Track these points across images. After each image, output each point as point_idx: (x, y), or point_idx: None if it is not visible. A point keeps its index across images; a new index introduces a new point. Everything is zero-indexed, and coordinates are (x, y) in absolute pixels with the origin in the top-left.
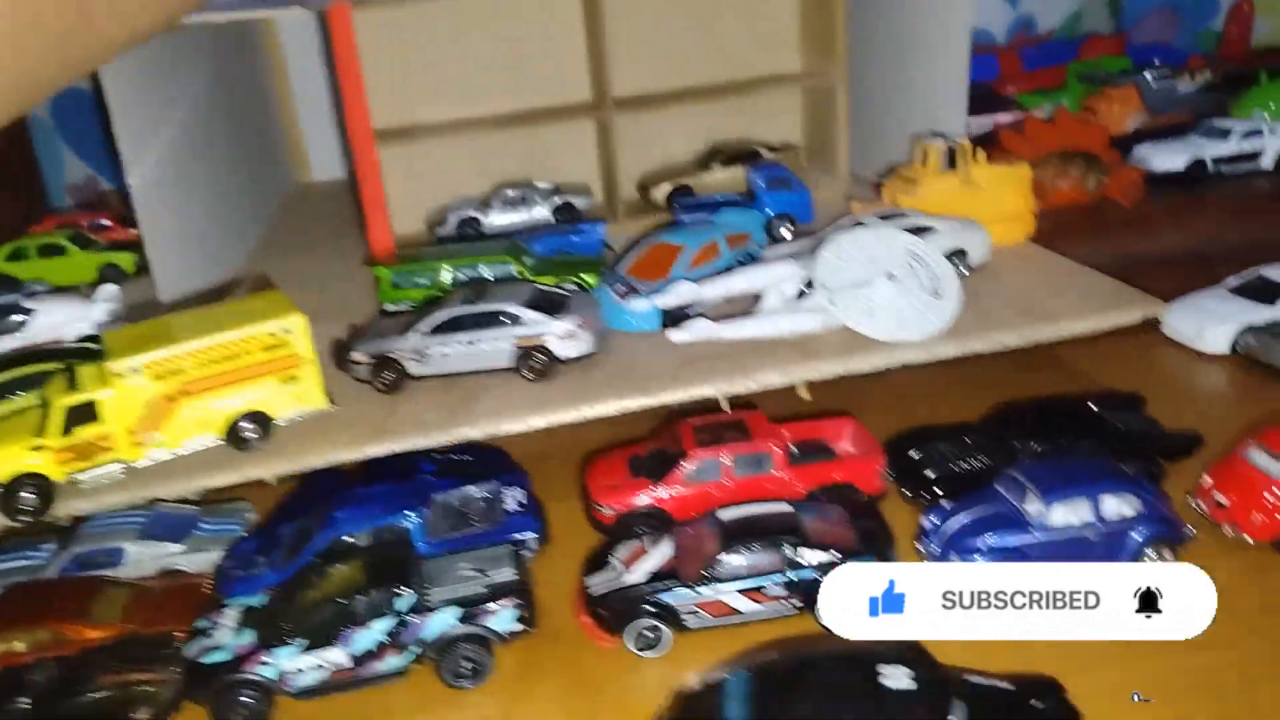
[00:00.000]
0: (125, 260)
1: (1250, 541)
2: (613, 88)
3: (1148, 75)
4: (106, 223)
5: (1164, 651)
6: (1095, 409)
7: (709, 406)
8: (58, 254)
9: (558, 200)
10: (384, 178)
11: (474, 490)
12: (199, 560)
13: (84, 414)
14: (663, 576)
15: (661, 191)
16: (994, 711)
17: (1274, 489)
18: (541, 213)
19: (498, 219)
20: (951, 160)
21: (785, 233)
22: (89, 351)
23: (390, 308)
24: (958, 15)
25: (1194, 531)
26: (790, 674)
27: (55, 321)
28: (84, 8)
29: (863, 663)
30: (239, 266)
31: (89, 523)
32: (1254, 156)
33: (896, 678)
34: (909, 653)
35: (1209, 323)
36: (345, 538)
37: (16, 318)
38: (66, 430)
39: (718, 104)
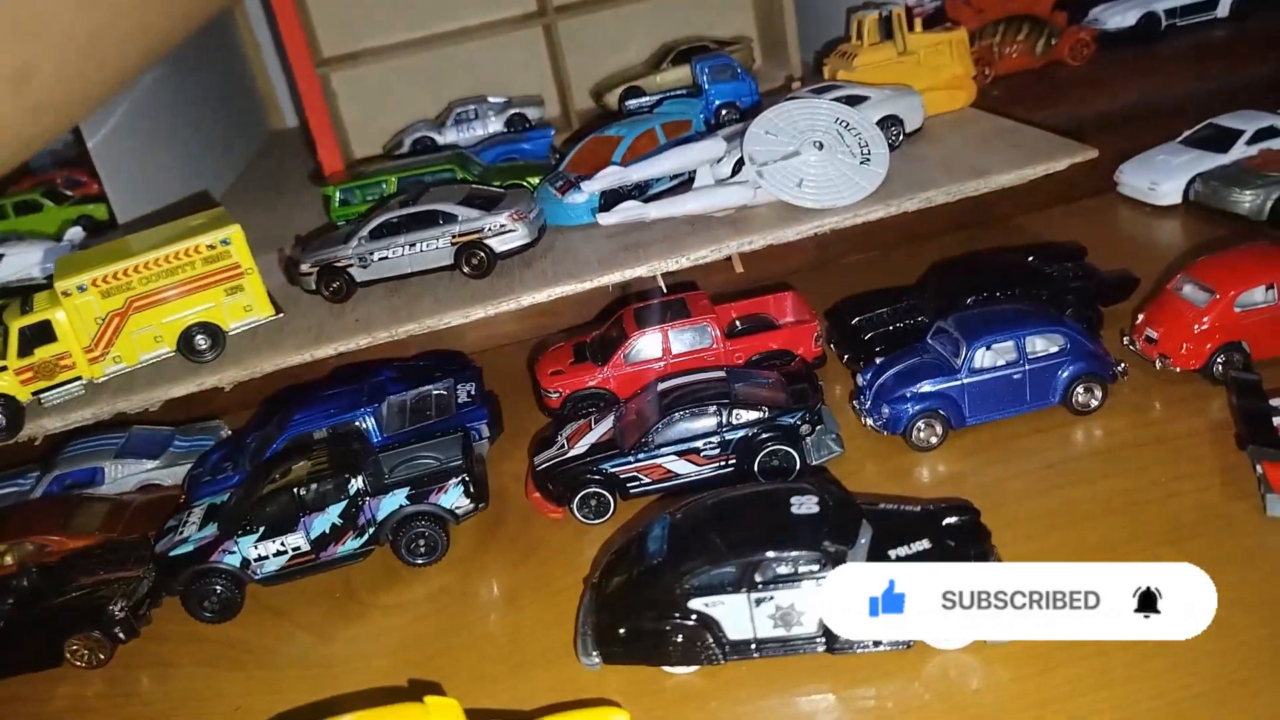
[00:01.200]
0: (99, 211)
1: (1178, 371)
2: None
3: None
4: (81, 179)
5: (1100, 477)
6: (1034, 261)
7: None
8: (33, 210)
9: (510, 113)
10: (337, 104)
11: (428, 388)
12: (177, 474)
13: (42, 334)
14: (604, 448)
15: (614, 96)
16: (902, 528)
17: (1202, 319)
18: (495, 127)
19: (452, 136)
20: (890, 32)
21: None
22: (33, 286)
23: (342, 224)
24: None
25: (1125, 367)
26: (708, 512)
27: (24, 263)
28: None
29: (777, 498)
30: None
31: (69, 447)
32: (1209, 5)
33: (806, 505)
34: (819, 484)
35: (1162, 176)
36: (305, 436)
37: None
38: (26, 351)
39: (666, 2)
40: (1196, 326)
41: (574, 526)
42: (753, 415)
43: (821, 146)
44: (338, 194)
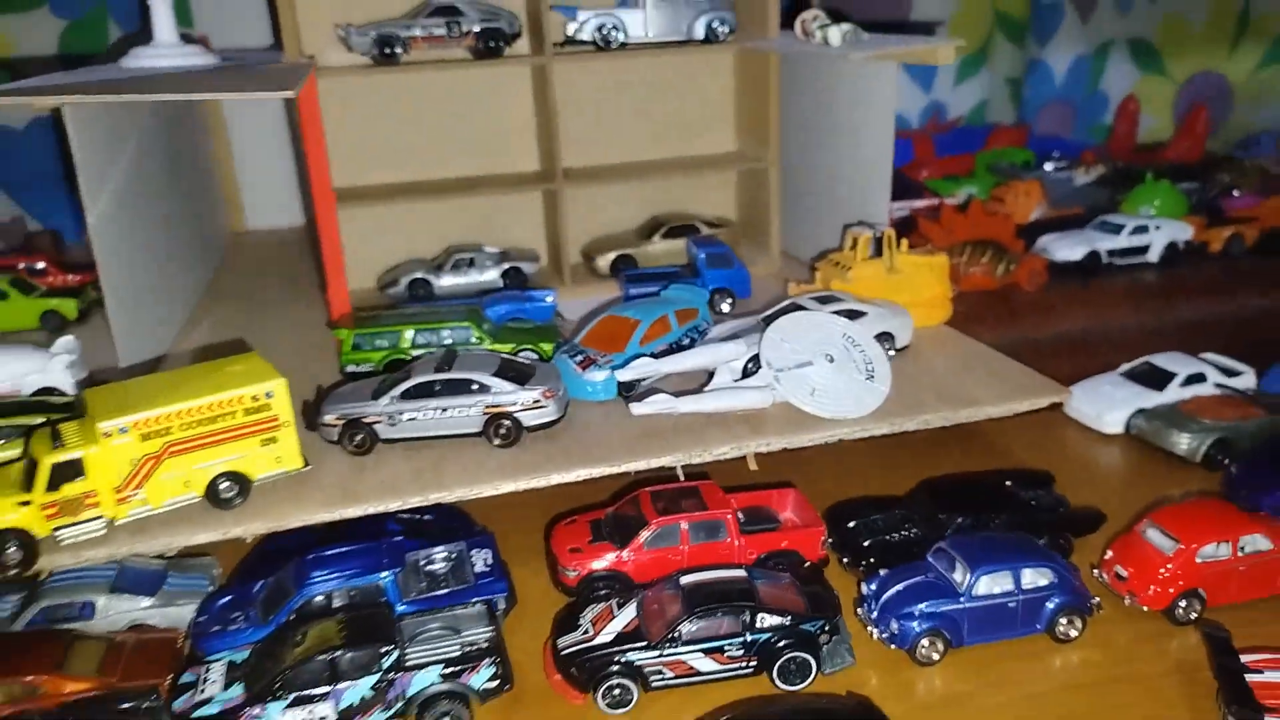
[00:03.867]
0: (67, 307)
1: (1145, 610)
2: (562, 160)
3: (1047, 166)
4: (42, 266)
5: (1085, 714)
6: (1011, 486)
7: (663, 475)
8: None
9: (506, 265)
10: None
11: (443, 549)
12: (170, 615)
13: (70, 470)
14: (630, 638)
15: (605, 260)
16: None
17: (1167, 565)
18: (490, 276)
19: (448, 281)
20: (879, 248)
21: (725, 307)
22: (52, 405)
23: (351, 369)
24: (883, 105)
25: (1099, 601)
26: None
27: (12, 373)
28: None
29: None
30: (189, 312)
31: (55, 576)
32: (1142, 250)
33: None
34: (861, 711)
35: (1106, 406)
36: (320, 596)
37: None
38: (53, 486)
39: (659, 179)
40: (1162, 571)
41: (595, 713)
42: (776, 620)
43: (832, 360)
44: (353, 339)
